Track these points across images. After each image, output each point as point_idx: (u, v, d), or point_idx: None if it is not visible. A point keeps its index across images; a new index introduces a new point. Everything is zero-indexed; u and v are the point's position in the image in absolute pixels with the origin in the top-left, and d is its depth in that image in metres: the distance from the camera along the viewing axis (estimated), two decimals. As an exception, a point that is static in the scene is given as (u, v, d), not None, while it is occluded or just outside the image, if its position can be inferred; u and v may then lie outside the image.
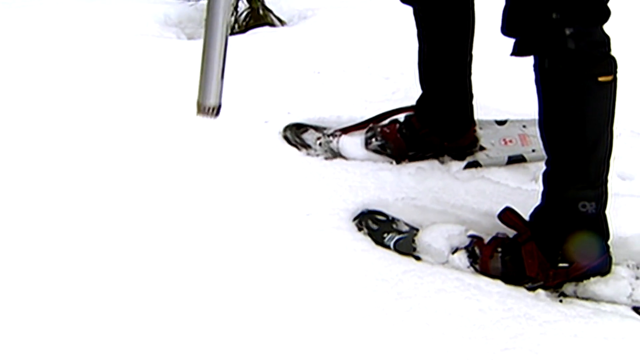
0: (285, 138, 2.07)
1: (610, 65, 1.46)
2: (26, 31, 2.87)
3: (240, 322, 1.42)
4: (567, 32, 1.42)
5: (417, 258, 1.63)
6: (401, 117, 2.06)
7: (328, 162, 1.97)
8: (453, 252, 1.63)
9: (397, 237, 1.68)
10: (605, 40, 1.47)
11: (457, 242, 1.64)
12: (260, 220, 1.68)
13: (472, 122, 2.01)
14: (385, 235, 1.68)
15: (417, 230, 1.71)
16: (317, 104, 2.25)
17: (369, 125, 2.06)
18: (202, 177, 1.81)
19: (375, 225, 1.72)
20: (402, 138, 2.00)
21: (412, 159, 1.99)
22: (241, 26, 3.04)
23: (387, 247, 1.65)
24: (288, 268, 1.56)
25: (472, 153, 2.01)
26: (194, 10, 3.17)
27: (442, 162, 1.99)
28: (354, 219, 1.74)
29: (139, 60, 2.59)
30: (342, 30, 2.88)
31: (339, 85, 2.40)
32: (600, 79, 1.45)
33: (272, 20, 3.07)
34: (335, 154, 2.01)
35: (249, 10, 3.08)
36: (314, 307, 1.46)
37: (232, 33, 2.83)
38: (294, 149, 2.03)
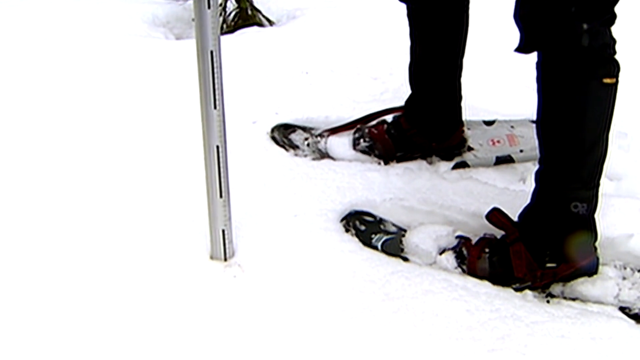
0: (273, 139, 2.06)
1: (615, 68, 1.46)
2: (13, 31, 2.85)
3: (227, 324, 1.41)
4: (585, 27, 1.41)
5: (405, 259, 1.63)
6: (389, 117, 2.05)
7: (316, 162, 1.96)
8: (441, 253, 1.62)
9: (384, 238, 1.67)
10: (613, 42, 1.47)
11: (444, 243, 1.64)
12: (248, 221, 1.68)
13: (460, 123, 2.01)
14: (372, 236, 1.68)
15: (405, 231, 1.71)
16: (305, 104, 2.24)
17: (357, 126, 2.06)
18: (189, 176, 1.80)
19: (363, 226, 1.71)
20: (390, 139, 1.99)
21: (400, 159, 1.98)
22: (230, 26, 3.02)
23: (375, 248, 1.65)
24: (275, 269, 1.56)
25: (460, 153, 2.01)
26: (182, 10, 3.16)
27: (430, 163, 1.98)
28: (342, 220, 1.73)
29: (127, 60, 2.57)
30: (331, 31, 2.87)
31: (328, 86, 2.39)
32: (605, 80, 1.45)
33: (260, 20, 3.06)
34: (323, 155, 2.01)
35: (237, 10, 3.07)
36: (302, 308, 1.46)
37: (221, 33, 2.83)
38: (282, 150, 2.02)
